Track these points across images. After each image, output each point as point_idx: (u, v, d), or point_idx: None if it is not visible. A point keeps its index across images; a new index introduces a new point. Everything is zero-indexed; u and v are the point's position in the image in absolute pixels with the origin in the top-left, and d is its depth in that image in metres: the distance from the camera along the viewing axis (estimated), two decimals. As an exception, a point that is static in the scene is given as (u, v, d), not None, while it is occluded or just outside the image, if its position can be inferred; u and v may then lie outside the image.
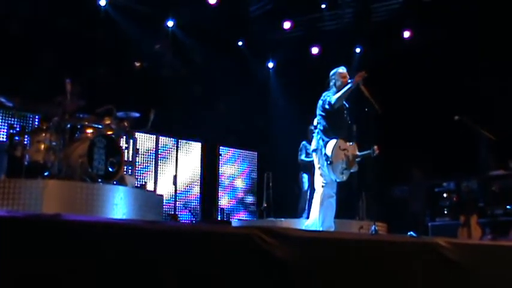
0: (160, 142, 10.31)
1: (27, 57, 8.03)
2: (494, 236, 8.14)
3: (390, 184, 10.59)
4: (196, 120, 10.20)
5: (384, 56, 10.63)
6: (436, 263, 2.76)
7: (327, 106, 5.69)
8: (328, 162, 5.52)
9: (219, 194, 11.32)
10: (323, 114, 5.76)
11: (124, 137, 7.13)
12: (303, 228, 5.79)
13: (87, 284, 1.59)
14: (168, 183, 9.83)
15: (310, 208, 6.39)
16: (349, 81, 5.74)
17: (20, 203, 5.27)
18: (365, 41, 11.65)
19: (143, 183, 8.91)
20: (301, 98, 9.32)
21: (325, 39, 11.43)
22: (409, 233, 7.36)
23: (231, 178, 11.66)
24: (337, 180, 5.68)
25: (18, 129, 6.62)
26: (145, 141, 9.99)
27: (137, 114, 7.09)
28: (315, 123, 6.02)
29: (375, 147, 5.84)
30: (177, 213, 9.48)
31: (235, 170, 11.77)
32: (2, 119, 8.14)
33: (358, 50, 11.83)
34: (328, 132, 5.69)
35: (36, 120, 7.97)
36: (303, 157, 8.41)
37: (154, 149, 10.22)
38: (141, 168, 9.79)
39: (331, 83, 5.86)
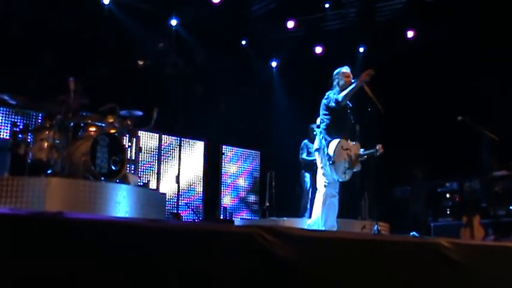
0: (163, 141, 10.32)
1: (31, 56, 8.04)
2: (497, 236, 8.12)
3: (393, 184, 10.58)
4: (199, 119, 10.20)
5: (388, 56, 10.62)
6: (438, 263, 2.76)
7: (333, 104, 5.66)
8: (330, 162, 5.51)
9: (222, 192, 11.33)
10: (327, 113, 5.76)
11: (127, 135, 7.14)
12: (305, 227, 5.79)
13: (89, 281, 1.59)
14: (170, 182, 9.84)
15: (312, 207, 6.39)
16: (353, 81, 5.73)
17: (23, 200, 5.28)
18: (368, 41, 11.64)
19: (146, 181, 8.91)
20: (304, 98, 9.31)
21: (328, 39, 11.42)
22: (411, 233, 7.38)
23: (234, 177, 11.67)
24: (340, 180, 5.67)
25: (21, 127, 6.63)
26: (148, 139, 10.01)
27: (140, 113, 7.09)
28: (318, 122, 6.02)
29: (379, 146, 5.83)
30: (179, 211, 9.50)
31: (238, 169, 11.78)
32: (5, 117, 8.16)
33: (361, 49, 11.83)
34: (331, 132, 5.68)
35: (40, 118, 7.98)
36: (304, 156, 8.41)
37: (157, 148, 10.24)
38: (144, 166, 9.80)
39: (335, 83, 5.85)
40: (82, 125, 6.55)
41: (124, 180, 6.51)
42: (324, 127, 5.74)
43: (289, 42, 11.49)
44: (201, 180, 10.97)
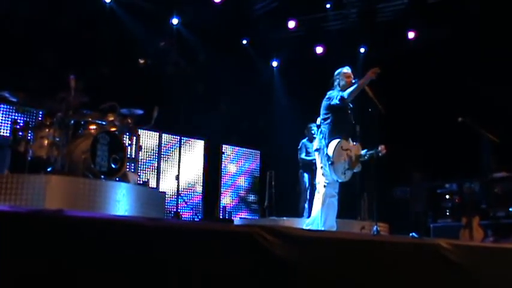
0: (163, 139, 10.32)
1: (31, 54, 8.03)
2: (496, 238, 8.12)
3: (392, 184, 10.57)
4: (199, 118, 10.20)
5: (388, 57, 10.61)
6: (437, 264, 2.76)
7: (336, 101, 5.63)
8: (330, 163, 5.51)
9: (222, 192, 11.33)
10: (327, 113, 5.75)
11: (127, 133, 7.14)
12: (304, 227, 5.79)
13: (89, 279, 1.59)
14: (170, 181, 9.84)
15: (311, 207, 6.39)
16: (354, 81, 5.73)
17: (23, 198, 5.28)
18: (369, 41, 11.63)
19: (146, 180, 8.92)
20: (304, 98, 9.31)
21: (329, 39, 11.42)
22: (410, 234, 7.37)
23: (234, 176, 11.67)
24: (339, 181, 5.66)
25: (21, 124, 6.63)
26: (148, 138, 10.01)
27: (140, 111, 7.09)
28: (318, 122, 6.02)
29: (381, 146, 5.82)
30: (179, 210, 9.50)
31: (237, 168, 11.78)
32: (5, 114, 8.16)
33: (362, 50, 11.82)
34: (331, 132, 5.67)
35: (40, 115, 7.98)
36: (303, 156, 8.42)
37: (157, 147, 10.24)
38: (143, 165, 9.80)
39: (335, 83, 5.85)
40: (82, 123, 6.55)
41: (124, 179, 6.51)
42: (324, 127, 5.74)
43: (290, 42, 11.49)
44: (201, 179, 10.96)
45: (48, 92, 6.58)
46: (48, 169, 5.95)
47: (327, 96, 5.81)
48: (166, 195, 8.82)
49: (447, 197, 10.26)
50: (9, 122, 7.74)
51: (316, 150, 5.88)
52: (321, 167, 5.69)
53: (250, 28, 11.34)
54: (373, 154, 5.82)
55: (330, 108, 5.72)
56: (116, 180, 6.30)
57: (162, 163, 10.22)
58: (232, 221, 9.47)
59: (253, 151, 12.11)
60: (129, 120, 6.98)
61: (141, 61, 7.47)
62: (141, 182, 7.97)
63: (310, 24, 11.35)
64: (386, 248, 2.67)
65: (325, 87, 5.94)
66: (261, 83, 11.82)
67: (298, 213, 8.48)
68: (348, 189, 6.28)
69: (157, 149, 10.22)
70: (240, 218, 10.95)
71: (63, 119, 6.12)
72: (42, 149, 6.01)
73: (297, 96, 11.01)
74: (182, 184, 10.17)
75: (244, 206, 11.69)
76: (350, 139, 5.81)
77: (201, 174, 10.99)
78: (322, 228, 5.43)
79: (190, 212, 10.45)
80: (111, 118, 6.70)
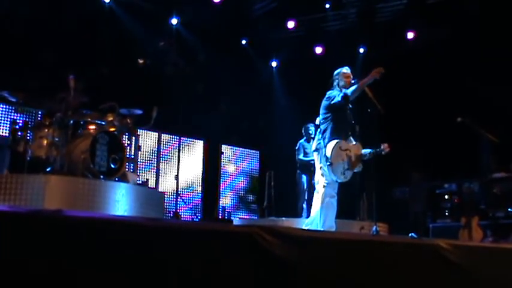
0: (162, 140, 10.31)
1: (31, 54, 8.03)
2: (495, 238, 8.12)
3: (392, 185, 10.58)
4: (198, 118, 10.19)
5: (387, 57, 10.60)
6: (436, 264, 2.76)
7: (338, 99, 5.62)
8: (328, 164, 5.50)
9: (221, 192, 11.32)
10: (327, 113, 5.74)
11: (126, 134, 7.14)
12: (303, 227, 5.78)
13: (88, 279, 1.59)
14: (170, 181, 9.84)
15: (309, 207, 6.38)
16: (353, 81, 5.73)
17: (22, 198, 5.28)
18: (368, 42, 11.63)
19: (145, 180, 8.91)
20: (304, 98, 9.31)
21: (328, 39, 11.42)
22: (410, 234, 7.37)
23: (233, 177, 11.66)
24: (339, 181, 5.66)
25: (21, 124, 6.62)
26: (147, 138, 10.01)
27: (140, 112, 7.09)
28: (317, 122, 6.01)
29: (384, 145, 5.81)
30: (178, 210, 9.49)
31: (237, 168, 11.77)
32: (5, 114, 8.16)
33: (361, 50, 11.82)
34: (331, 133, 5.66)
35: (39, 115, 7.97)
36: (300, 156, 8.43)
37: (156, 147, 10.23)
38: (143, 165, 9.80)
39: (335, 83, 5.85)
40: (82, 123, 6.55)
41: (123, 179, 6.51)
42: (324, 128, 5.73)
43: (290, 42, 11.49)
44: (200, 179, 10.96)
45: (48, 92, 6.57)
46: (48, 169, 5.95)
47: (326, 96, 5.80)
48: (166, 196, 8.82)
49: (446, 197, 10.26)
50: (8, 122, 7.73)
51: (315, 150, 5.88)
52: (320, 167, 5.69)
53: (249, 28, 11.34)
54: (377, 153, 5.81)
55: (330, 108, 5.72)
56: (115, 180, 6.30)
57: (161, 163, 10.22)
58: (232, 221, 9.48)
59: (253, 151, 12.11)
60: (129, 120, 6.98)
61: (141, 61, 7.47)
62: (141, 182, 7.96)
63: (310, 24, 11.35)
64: (385, 248, 2.67)
65: (325, 87, 5.94)
66: (261, 83, 11.82)
67: (298, 214, 8.47)
68: (347, 189, 6.27)
69: (156, 149, 10.22)
70: (239, 218, 10.95)
71: (62, 119, 6.12)
72: (42, 149, 6.01)
73: (297, 97, 11.01)
74: (181, 184, 10.18)
75: (243, 206, 11.68)
76: (351, 138, 5.80)
77: (201, 175, 10.99)
78: (322, 229, 5.42)
79: (190, 213, 10.44)
80: (111, 118, 6.69)
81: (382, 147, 5.81)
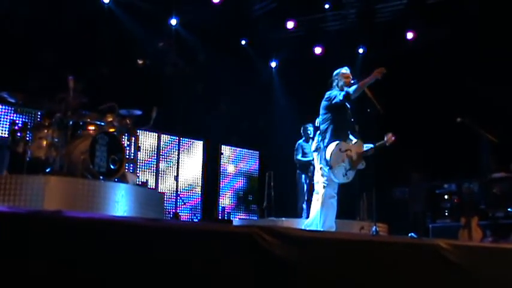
0: (162, 140, 10.31)
1: (30, 55, 8.04)
2: (495, 238, 8.12)
3: (391, 185, 10.58)
4: (198, 119, 10.20)
5: (387, 57, 10.60)
6: (436, 264, 2.76)
7: (340, 97, 5.60)
8: (328, 168, 5.48)
9: (220, 192, 11.32)
10: (327, 113, 5.73)
11: (126, 134, 7.13)
12: (303, 227, 5.78)
13: (88, 280, 1.59)
14: (169, 181, 9.84)
15: (309, 207, 6.38)
16: (352, 81, 5.72)
17: (22, 199, 5.27)
18: (368, 42, 11.64)
19: (145, 180, 8.91)
20: (303, 98, 9.31)
21: (328, 39, 11.43)
22: (409, 234, 7.38)
23: (233, 177, 11.66)
24: (342, 182, 5.64)
25: (20, 125, 6.61)
26: (147, 139, 10.01)
27: (139, 112, 7.08)
28: (317, 123, 6.01)
29: (388, 135, 5.81)
30: (178, 211, 9.50)
31: (236, 169, 11.77)
32: (4, 115, 8.16)
33: (361, 50, 11.82)
34: (331, 133, 5.64)
35: (39, 116, 7.97)
36: (299, 157, 8.44)
37: (156, 147, 10.23)
38: (142, 165, 9.80)
39: (334, 83, 5.84)
40: (81, 123, 6.54)
41: (123, 179, 6.50)
42: (323, 128, 5.72)
43: (289, 42, 11.49)
44: (200, 180, 10.96)
45: (47, 92, 6.57)
46: (47, 170, 5.95)
47: (326, 97, 5.79)
48: (165, 196, 8.82)
49: (446, 197, 10.26)
50: (8, 123, 7.73)
51: (315, 150, 5.87)
52: (320, 168, 5.68)
53: (249, 28, 11.35)
54: (380, 145, 5.81)
55: (330, 108, 5.71)
56: (115, 181, 6.29)
57: (161, 164, 10.22)
58: (231, 221, 9.47)
59: (252, 151, 12.11)
60: (128, 121, 6.97)
61: (140, 61, 7.47)
62: (140, 183, 7.95)
63: (309, 24, 11.35)
64: (385, 248, 2.67)
65: (324, 88, 5.93)
66: (260, 83, 11.82)
67: (297, 214, 8.48)
68: (347, 189, 6.27)
69: (156, 150, 10.22)
70: (239, 218, 10.95)
71: (62, 119, 6.11)
72: (41, 149, 6.00)
73: (296, 97, 11.02)
74: (181, 185, 10.18)
75: (243, 206, 11.68)
76: (351, 136, 5.78)
77: (200, 175, 10.98)
78: (322, 229, 5.42)
79: (189, 213, 10.44)
80: (110, 119, 6.69)
81: (385, 138, 5.80)
